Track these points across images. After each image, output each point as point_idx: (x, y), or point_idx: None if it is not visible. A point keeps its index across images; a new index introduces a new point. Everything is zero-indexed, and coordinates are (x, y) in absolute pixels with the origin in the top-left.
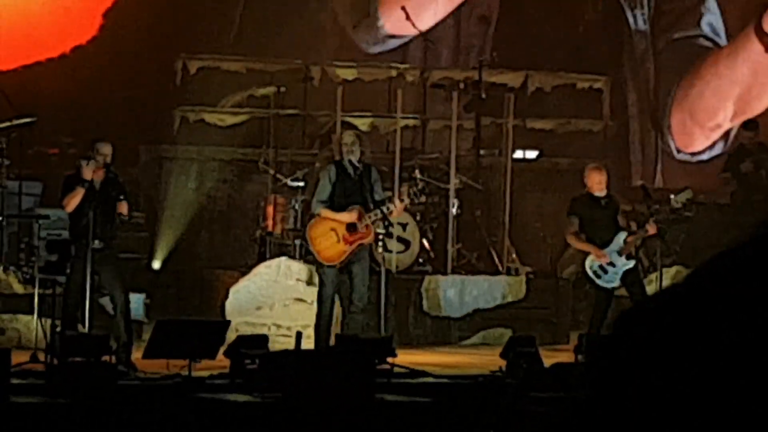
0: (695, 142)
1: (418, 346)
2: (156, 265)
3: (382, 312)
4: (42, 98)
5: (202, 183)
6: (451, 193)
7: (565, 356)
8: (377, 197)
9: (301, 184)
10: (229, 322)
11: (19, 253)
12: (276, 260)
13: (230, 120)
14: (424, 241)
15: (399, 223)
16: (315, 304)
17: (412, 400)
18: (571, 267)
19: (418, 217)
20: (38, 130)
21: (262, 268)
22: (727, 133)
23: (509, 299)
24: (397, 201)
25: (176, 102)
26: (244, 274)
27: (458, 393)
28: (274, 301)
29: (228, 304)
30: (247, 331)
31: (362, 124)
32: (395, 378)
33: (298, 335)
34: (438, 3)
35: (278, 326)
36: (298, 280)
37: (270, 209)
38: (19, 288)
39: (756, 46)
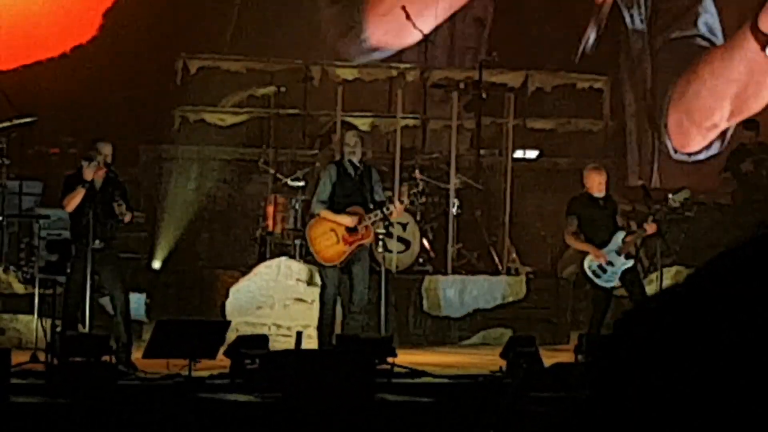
0: (692, 141)
1: (419, 346)
2: (156, 264)
3: (382, 312)
4: (42, 98)
5: (203, 183)
6: (451, 193)
7: (566, 356)
8: (377, 198)
9: (302, 183)
10: (229, 322)
11: (20, 253)
12: (276, 260)
13: (230, 120)
14: (425, 241)
15: (399, 223)
16: (315, 304)
17: (412, 400)
18: (572, 267)
19: (418, 217)
20: (38, 130)
21: (262, 268)
22: (723, 133)
23: (509, 299)
24: (397, 203)
25: (176, 102)
26: (244, 274)
27: (458, 393)
28: (275, 301)
29: (228, 304)
30: (248, 331)
31: (362, 124)
32: (395, 378)
33: (299, 335)
34: (438, 5)
35: (278, 326)
36: (298, 280)
37: (270, 209)
38: (19, 288)
39: (752, 44)
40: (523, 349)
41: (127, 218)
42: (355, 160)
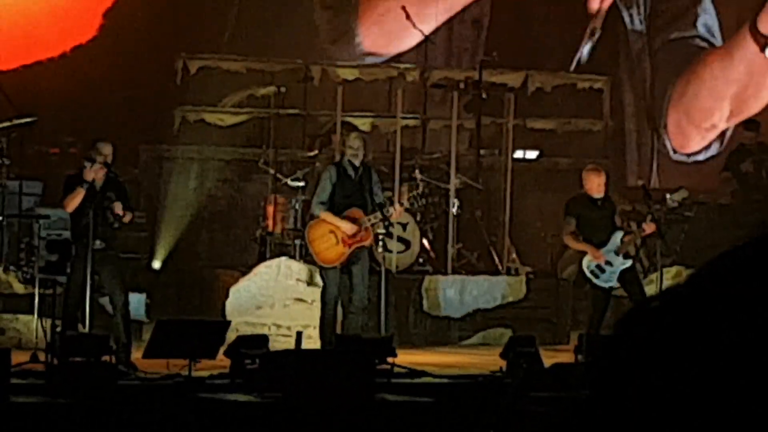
0: (691, 142)
1: (418, 346)
2: (156, 264)
3: (382, 312)
4: (42, 98)
5: (203, 183)
6: (452, 193)
7: (566, 356)
8: (377, 199)
9: (302, 183)
10: (229, 322)
11: (20, 253)
12: (276, 260)
13: (230, 120)
14: (425, 241)
15: (399, 223)
16: (315, 304)
17: (412, 400)
18: (572, 267)
19: (418, 217)
20: (38, 130)
21: (262, 268)
22: (723, 134)
23: (509, 299)
24: (396, 205)
25: (176, 102)
26: (244, 273)
27: (458, 393)
28: (275, 300)
29: (228, 303)
30: (248, 331)
31: (362, 123)
32: (395, 378)
33: (299, 335)
34: (439, 6)
35: (278, 326)
36: (298, 280)
37: (270, 209)
38: (19, 288)
39: (751, 45)
40: (523, 349)
41: (128, 218)
42: (357, 162)
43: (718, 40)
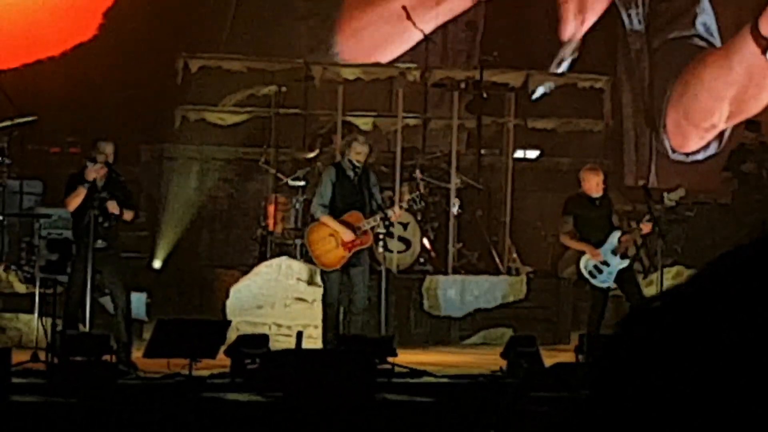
0: (690, 142)
1: (419, 346)
2: (157, 264)
3: (383, 312)
4: (43, 97)
5: (203, 182)
6: (452, 193)
7: (566, 356)
8: (376, 201)
9: (302, 183)
10: (230, 321)
11: (20, 252)
12: (277, 260)
13: (231, 119)
14: (425, 241)
15: (400, 223)
16: (316, 304)
17: (413, 399)
18: (572, 267)
19: (419, 217)
20: (39, 129)
21: (262, 268)
22: (721, 134)
23: (510, 299)
24: (396, 207)
25: (177, 101)
26: (244, 273)
27: (459, 393)
28: (275, 300)
29: (229, 303)
30: (248, 330)
31: (363, 123)
32: (396, 378)
33: (299, 335)
34: (440, 7)
35: (279, 325)
36: (298, 279)
37: (271, 208)
38: (20, 287)
39: (751, 47)
40: (524, 349)
41: (129, 216)
42: (359, 165)
43: (716, 40)
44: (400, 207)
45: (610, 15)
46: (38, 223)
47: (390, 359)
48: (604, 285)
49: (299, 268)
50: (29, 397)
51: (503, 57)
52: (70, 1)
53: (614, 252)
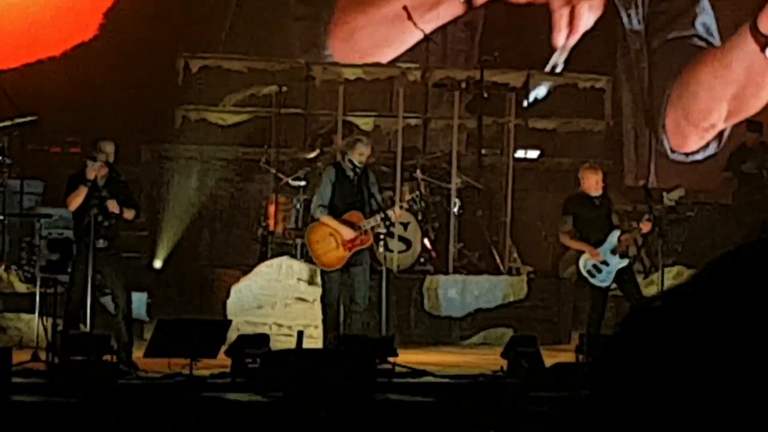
0: (689, 142)
1: (420, 346)
2: (157, 264)
3: (384, 311)
4: (43, 97)
5: (204, 182)
6: (453, 193)
7: (567, 356)
8: (376, 201)
9: (303, 183)
10: (231, 321)
11: (21, 252)
12: (277, 259)
13: (232, 119)
14: (426, 241)
15: (400, 223)
16: (316, 304)
17: (413, 399)
18: (573, 267)
19: (419, 217)
20: (40, 129)
21: (263, 268)
22: (720, 134)
23: (510, 299)
24: (396, 208)
25: (178, 101)
26: (245, 273)
27: (459, 393)
28: (276, 300)
29: (229, 303)
30: (249, 330)
31: (364, 123)
32: (396, 377)
33: (300, 334)
34: (440, 7)
35: (279, 325)
36: (299, 279)
37: (271, 208)
38: (20, 287)
39: (751, 45)
40: (525, 348)
41: (130, 215)
42: (360, 165)
43: (716, 40)
44: (401, 207)
45: (609, 15)
46: (39, 223)
47: (390, 359)
48: (603, 284)
49: (300, 268)
50: (30, 396)
51: (502, 57)
52: (71, 1)
53: (614, 251)
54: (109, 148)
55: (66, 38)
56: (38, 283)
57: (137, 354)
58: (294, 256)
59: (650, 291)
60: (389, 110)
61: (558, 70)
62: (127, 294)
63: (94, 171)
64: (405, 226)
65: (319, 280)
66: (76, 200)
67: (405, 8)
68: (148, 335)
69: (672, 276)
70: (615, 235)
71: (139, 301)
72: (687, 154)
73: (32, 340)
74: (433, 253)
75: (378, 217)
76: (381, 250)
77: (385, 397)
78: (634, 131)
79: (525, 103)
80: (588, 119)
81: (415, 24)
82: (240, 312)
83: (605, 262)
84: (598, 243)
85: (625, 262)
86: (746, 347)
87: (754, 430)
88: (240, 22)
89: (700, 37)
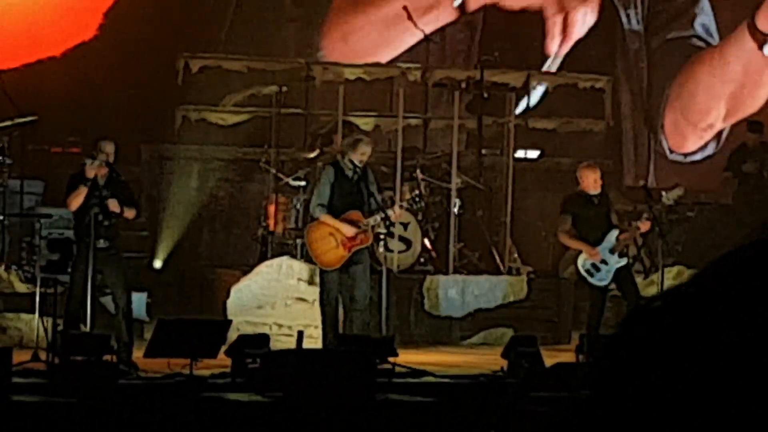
0: (688, 142)
1: (420, 346)
2: (157, 264)
3: (384, 311)
4: (44, 97)
5: (204, 182)
6: (453, 193)
7: (567, 356)
8: (375, 200)
9: (303, 183)
10: (231, 321)
11: (21, 252)
12: (277, 259)
13: (232, 119)
14: (426, 241)
15: (400, 223)
16: (316, 304)
17: (414, 399)
18: (573, 267)
19: (419, 217)
20: (40, 129)
21: (263, 268)
22: (719, 134)
23: (511, 299)
24: (396, 207)
25: (178, 101)
26: (245, 273)
27: (459, 393)
28: (276, 300)
29: (229, 303)
30: (249, 330)
31: (364, 123)
32: (396, 378)
33: (300, 334)
34: (441, 8)
35: (279, 325)
36: (299, 279)
37: (271, 208)
38: (20, 287)
39: (749, 43)
40: (525, 348)
41: (131, 214)
42: (360, 164)
43: (715, 41)
44: (401, 207)
45: (608, 15)
46: (39, 223)
47: (390, 359)
48: (602, 283)
49: (300, 268)
50: (30, 396)
51: (501, 58)
52: (71, 1)
53: (612, 250)
54: (109, 148)
55: (66, 38)
56: (38, 283)
57: (137, 354)
58: (294, 256)
59: (650, 291)
60: (389, 110)
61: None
62: (128, 294)
63: (93, 170)
64: (405, 226)
65: (319, 282)
66: (77, 200)
67: (405, 8)
68: (148, 335)
69: (672, 276)
70: (613, 234)
71: (139, 301)
72: (685, 155)
73: (32, 340)
74: (434, 253)
75: (378, 216)
76: (381, 250)
77: (385, 397)
78: (633, 131)
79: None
80: (588, 119)
81: (415, 24)
82: (240, 312)
83: (604, 261)
84: (596, 242)
85: (623, 262)
86: (746, 347)
87: (754, 430)
88: (240, 22)
89: (700, 38)
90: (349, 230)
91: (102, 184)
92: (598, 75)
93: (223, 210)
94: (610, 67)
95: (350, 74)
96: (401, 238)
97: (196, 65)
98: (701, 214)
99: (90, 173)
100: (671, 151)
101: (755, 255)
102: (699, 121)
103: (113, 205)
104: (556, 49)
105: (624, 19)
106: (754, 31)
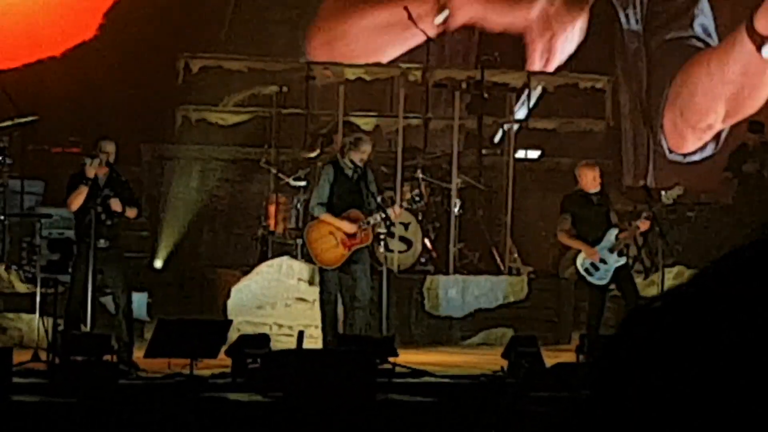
0: (687, 142)
1: (420, 346)
2: (158, 264)
3: (384, 311)
4: (44, 97)
5: (204, 182)
6: (453, 193)
7: (567, 356)
8: (375, 199)
9: (303, 183)
10: (231, 321)
11: (21, 252)
12: (278, 259)
13: (232, 119)
14: (426, 241)
15: (401, 223)
16: (317, 304)
17: (414, 399)
18: (573, 267)
19: (420, 217)
20: (40, 129)
21: (263, 268)
22: (718, 135)
23: (511, 299)
24: (396, 207)
25: (178, 101)
26: (245, 273)
27: (460, 393)
28: (276, 300)
29: (230, 303)
30: (249, 330)
31: (364, 123)
32: (397, 378)
33: (300, 334)
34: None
35: (280, 325)
36: (299, 279)
37: (272, 208)
38: (21, 287)
39: (747, 45)
40: (525, 349)
41: (132, 213)
42: (360, 164)
43: (714, 41)
44: (401, 206)
45: (607, 15)
46: (39, 223)
47: (391, 359)
48: (601, 282)
49: (300, 268)
50: (30, 396)
51: (501, 58)
52: (71, 1)
53: (611, 249)
54: (109, 147)
55: (66, 38)
56: (39, 283)
57: (138, 354)
58: (294, 256)
59: (650, 291)
60: (390, 110)
61: (533, 101)
62: (128, 294)
63: (94, 169)
64: (405, 226)
65: (318, 281)
66: (78, 200)
67: (406, 8)
68: (148, 335)
69: (672, 276)
70: (613, 233)
71: (139, 301)
72: (684, 155)
73: (33, 340)
74: (434, 253)
75: (378, 215)
76: (381, 250)
77: (385, 397)
78: (632, 131)
79: (496, 139)
80: (588, 119)
81: (415, 24)
82: (240, 312)
83: (603, 261)
84: (596, 241)
85: (622, 261)
86: (746, 347)
87: (754, 430)
88: (239, 22)
89: (699, 39)
90: (349, 228)
91: (102, 184)
92: (598, 75)
93: (224, 210)
94: (609, 67)
95: (350, 74)
96: (402, 238)
97: (196, 65)
98: (701, 214)
99: (90, 173)
100: (670, 151)
101: (755, 255)
102: (698, 122)
103: (116, 204)
104: (542, 65)
105: (623, 20)
106: (752, 34)
